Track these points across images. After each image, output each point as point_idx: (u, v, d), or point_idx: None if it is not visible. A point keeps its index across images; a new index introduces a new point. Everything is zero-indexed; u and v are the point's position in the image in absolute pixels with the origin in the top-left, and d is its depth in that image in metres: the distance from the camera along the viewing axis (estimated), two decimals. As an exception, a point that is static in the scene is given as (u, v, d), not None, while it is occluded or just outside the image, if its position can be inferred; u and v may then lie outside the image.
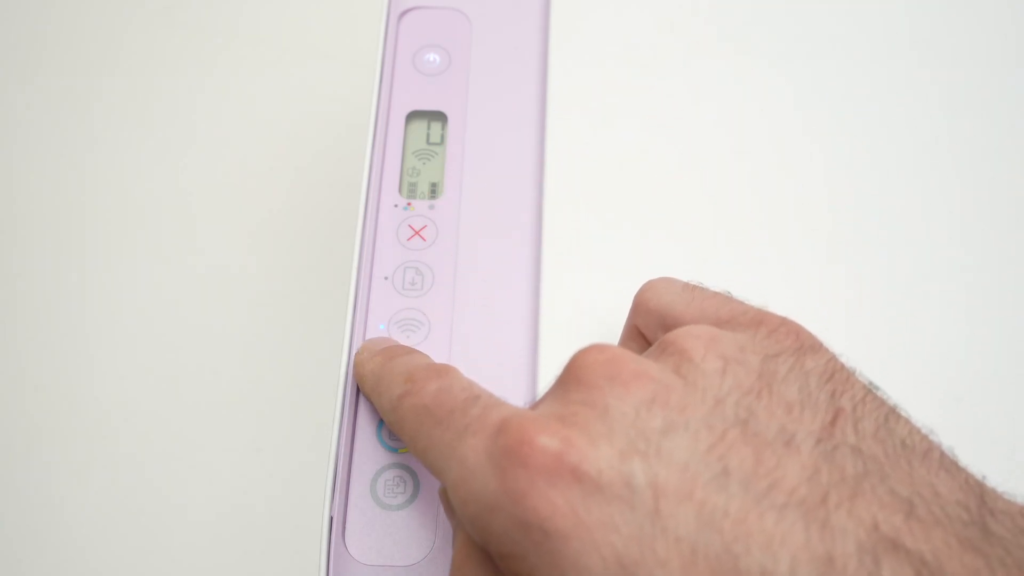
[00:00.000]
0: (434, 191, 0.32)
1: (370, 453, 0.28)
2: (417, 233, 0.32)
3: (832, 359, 0.21)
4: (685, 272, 0.30)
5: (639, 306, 0.26)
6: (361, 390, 0.28)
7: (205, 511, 0.40)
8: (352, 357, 0.29)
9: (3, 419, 0.42)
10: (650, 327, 0.25)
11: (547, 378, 0.29)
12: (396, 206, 0.32)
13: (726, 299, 0.24)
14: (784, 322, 0.22)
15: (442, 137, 0.33)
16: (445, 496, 0.24)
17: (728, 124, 0.34)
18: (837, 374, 0.21)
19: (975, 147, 0.34)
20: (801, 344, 0.22)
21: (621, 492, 0.18)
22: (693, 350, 0.21)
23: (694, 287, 0.25)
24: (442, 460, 0.21)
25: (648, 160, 0.32)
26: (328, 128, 0.49)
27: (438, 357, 0.30)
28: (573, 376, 0.21)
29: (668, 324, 0.24)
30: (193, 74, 0.51)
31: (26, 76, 0.51)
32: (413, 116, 0.34)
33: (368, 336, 0.30)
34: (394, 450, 0.28)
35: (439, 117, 0.34)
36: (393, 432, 0.26)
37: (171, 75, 0.51)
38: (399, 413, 0.24)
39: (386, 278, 0.31)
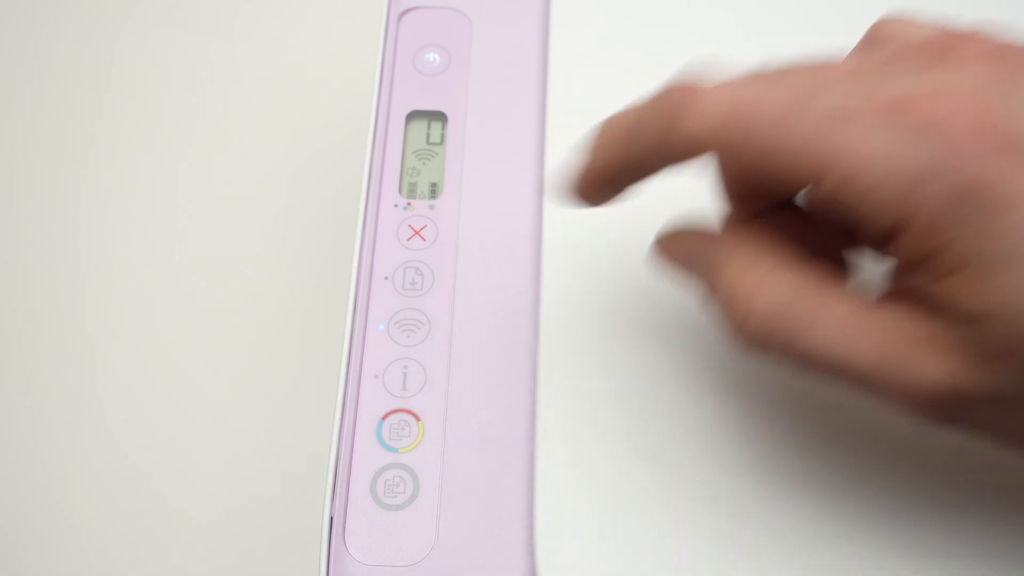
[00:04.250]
0: (434, 191, 0.32)
1: (370, 453, 0.28)
2: (417, 233, 0.32)
3: None
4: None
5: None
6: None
7: (205, 511, 0.40)
8: (352, 357, 0.29)
9: (3, 419, 0.42)
10: None
11: (548, 378, 0.29)
12: (396, 206, 0.32)
13: None
14: None
15: (442, 137, 0.33)
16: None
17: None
18: None
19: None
20: None
21: None
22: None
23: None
24: (810, 158, 0.20)
25: (648, 160, 0.32)
26: (328, 128, 0.49)
27: (438, 357, 0.30)
28: (940, 50, 0.20)
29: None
30: (192, 74, 0.51)
31: (23, 77, 0.51)
32: (413, 116, 0.34)
33: (368, 336, 0.30)
34: (394, 450, 0.28)
35: (439, 117, 0.34)
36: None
37: (169, 75, 0.51)
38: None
39: (386, 278, 0.31)
